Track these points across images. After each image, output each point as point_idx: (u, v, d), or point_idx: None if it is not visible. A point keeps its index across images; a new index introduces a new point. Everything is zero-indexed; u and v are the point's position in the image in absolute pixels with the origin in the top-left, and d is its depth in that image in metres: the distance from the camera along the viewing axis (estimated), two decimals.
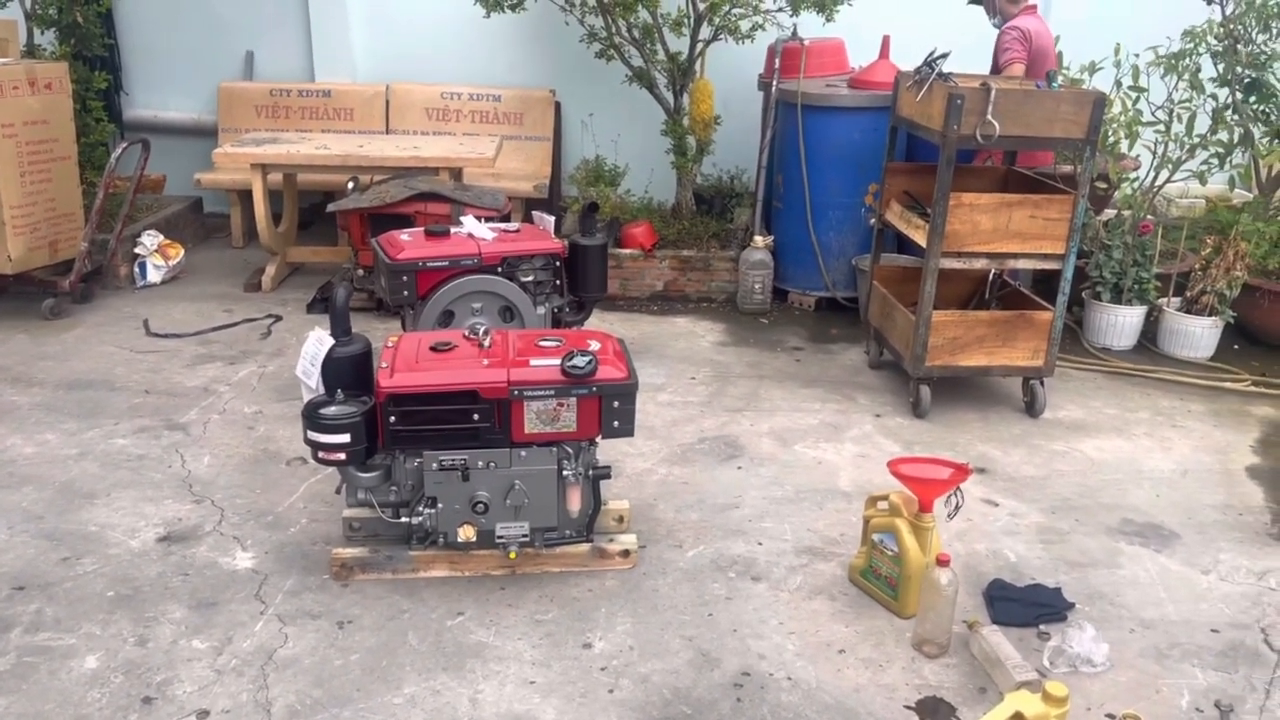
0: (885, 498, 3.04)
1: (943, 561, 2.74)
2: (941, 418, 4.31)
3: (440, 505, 2.97)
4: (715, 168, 6.47)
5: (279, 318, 5.29)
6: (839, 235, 5.53)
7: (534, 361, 2.93)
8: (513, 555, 3.05)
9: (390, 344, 3.09)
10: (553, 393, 2.89)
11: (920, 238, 4.26)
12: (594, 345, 3.03)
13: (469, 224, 4.29)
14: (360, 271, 5.29)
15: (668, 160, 6.03)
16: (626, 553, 3.17)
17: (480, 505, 2.95)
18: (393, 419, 2.86)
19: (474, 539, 2.99)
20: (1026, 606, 2.99)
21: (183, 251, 5.97)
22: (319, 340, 3.04)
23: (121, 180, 5.70)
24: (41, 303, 5.15)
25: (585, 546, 3.14)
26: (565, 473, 2.98)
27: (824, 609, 3.00)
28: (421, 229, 4.28)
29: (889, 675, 2.72)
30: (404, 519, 3.03)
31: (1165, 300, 5.15)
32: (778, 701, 2.61)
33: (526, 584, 3.08)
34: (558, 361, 2.90)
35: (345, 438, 2.87)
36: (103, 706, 2.52)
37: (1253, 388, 4.73)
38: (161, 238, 5.84)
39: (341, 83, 6.93)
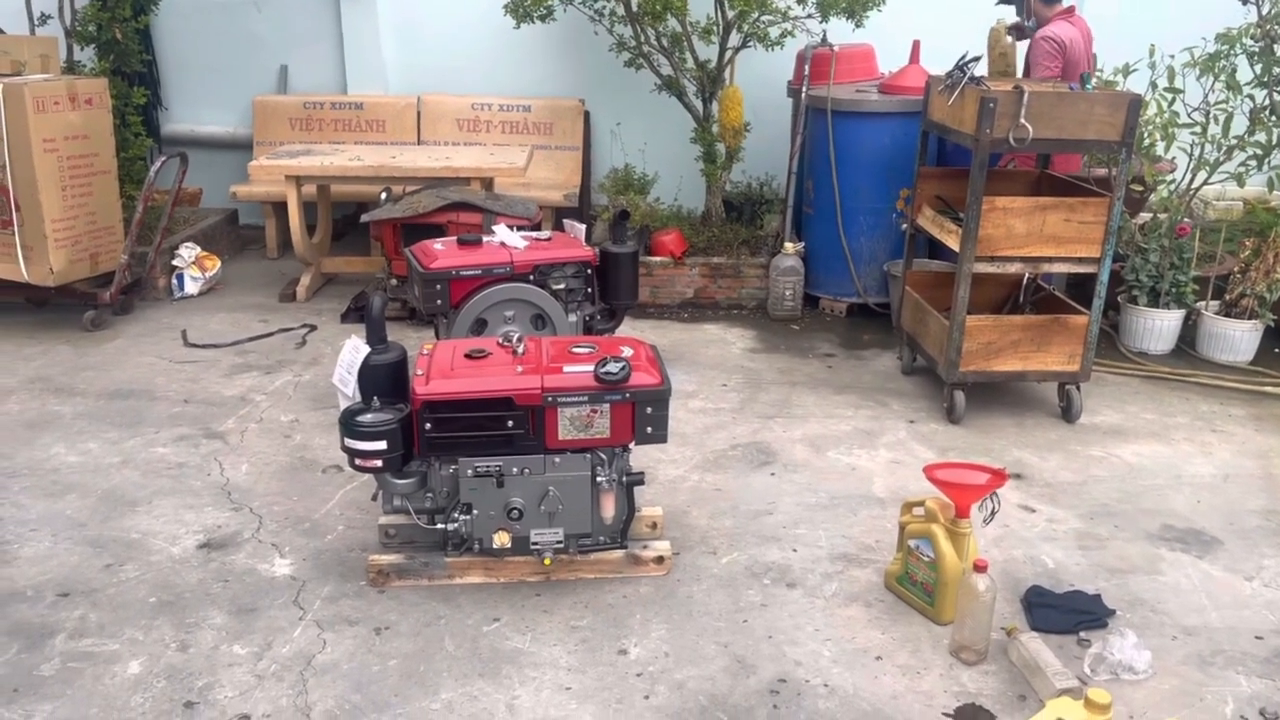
0: (921, 503, 3.02)
1: (980, 567, 2.72)
2: (976, 423, 4.28)
3: (475, 511, 2.98)
4: (744, 175, 6.48)
5: (314, 327, 5.34)
6: (870, 241, 5.51)
7: (567, 368, 2.94)
8: (547, 561, 3.06)
9: (425, 352, 3.11)
10: (586, 399, 2.90)
11: (953, 242, 4.23)
12: (627, 351, 3.04)
13: (501, 232, 4.31)
14: (394, 281, 5.34)
15: (697, 168, 6.05)
16: (661, 559, 3.17)
17: (515, 511, 2.96)
18: (428, 426, 2.88)
19: (509, 545, 3.00)
20: (1066, 613, 2.96)
21: (219, 263, 6.05)
22: (355, 348, 3.07)
23: (160, 193, 5.79)
24: (83, 314, 5.24)
25: (619, 553, 3.14)
26: (599, 479, 2.99)
27: (860, 615, 2.99)
28: (454, 238, 4.31)
29: (927, 682, 2.70)
30: (439, 525, 3.05)
31: (1203, 304, 5.09)
32: (815, 708, 2.60)
33: (561, 590, 3.09)
34: (591, 368, 2.91)
35: (382, 445, 2.89)
36: (146, 711, 2.55)
37: None
38: (199, 250, 5.93)
39: (373, 95, 7.00)
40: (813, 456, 3.98)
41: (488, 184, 5.70)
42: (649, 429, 2.96)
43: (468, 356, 3.03)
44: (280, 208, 6.59)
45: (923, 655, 2.81)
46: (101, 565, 3.18)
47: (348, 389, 3.06)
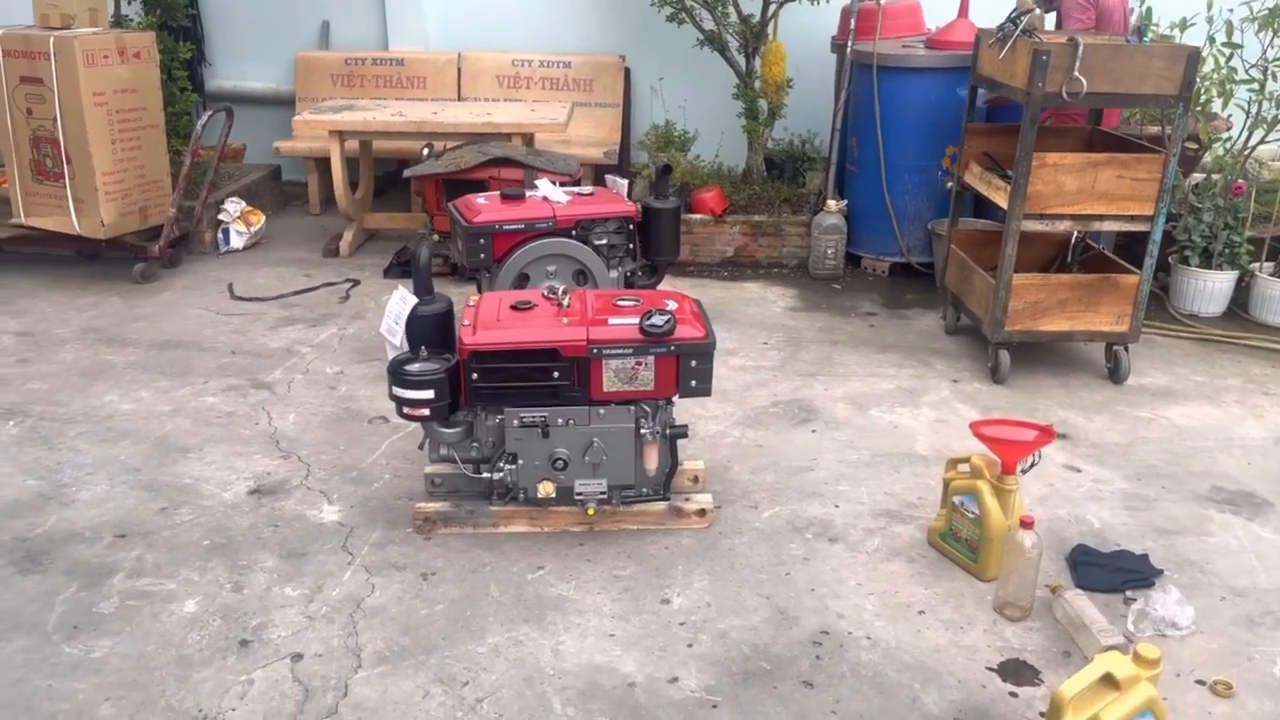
0: (966, 460, 3.01)
1: (1027, 524, 2.70)
2: (1021, 383, 4.24)
3: (521, 461, 3.01)
4: (786, 132, 6.40)
5: (357, 282, 5.39)
6: (914, 199, 5.45)
7: (613, 320, 2.95)
8: (591, 512, 3.09)
9: (472, 303, 3.13)
10: (631, 351, 2.91)
11: (1001, 199, 4.17)
12: (671, 305, 3.04)
13: (544, 187, 4.31)
14: (435, 236, 5.35)
15: (737, 125, 5.99)
16: (703, 512, 3.18)
17: (560, 461, 2.99)
18: (475, 376, 2.90)
19: (553, 495, 3.03)
20: (1111, 572, 2.94)
21: (264, 218, 6.10)
22: (403, 299, 3.09)
23: (206, 149, 5.83)
24: (132, 267, 5.31)
25: (662, 505, 3.16)
26: (643, 431, 3.00)
27: (903, 571, 2.99)
28: (497, 193, 4.31)
29: (970, 637, 2.71)
30: (485, 474, 3.08)
31: (1258, 265, 4.98)
32: (857, 660, 2.61)
33: (604, 541, 3.11)
34: (636, 321, 2.92)
35: (429, 394, 2.92)
36: (203, 648, 2.62)
37: None
38: (244, 205, 5.98)
39: (414, 51, 7.00)
40: (854, 414, 3.97)
41: (528, 140, 5.70)
42: (693, 382, 2.96)
43: (513, 308, 3.04)
44: (323, 163, 6.64)
45: (966, 611, 2.81)
46: (156, 509, 3.25)
47: (395, 339, 3.08)
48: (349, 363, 4.38)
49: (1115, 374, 4.27)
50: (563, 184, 4.79)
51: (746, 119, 5.92)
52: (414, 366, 2.95)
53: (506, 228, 4.07)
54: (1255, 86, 5.03)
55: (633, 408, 2.99)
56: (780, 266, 5.74)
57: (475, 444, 3.09)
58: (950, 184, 4.87)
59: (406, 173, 5.31)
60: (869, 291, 5.41)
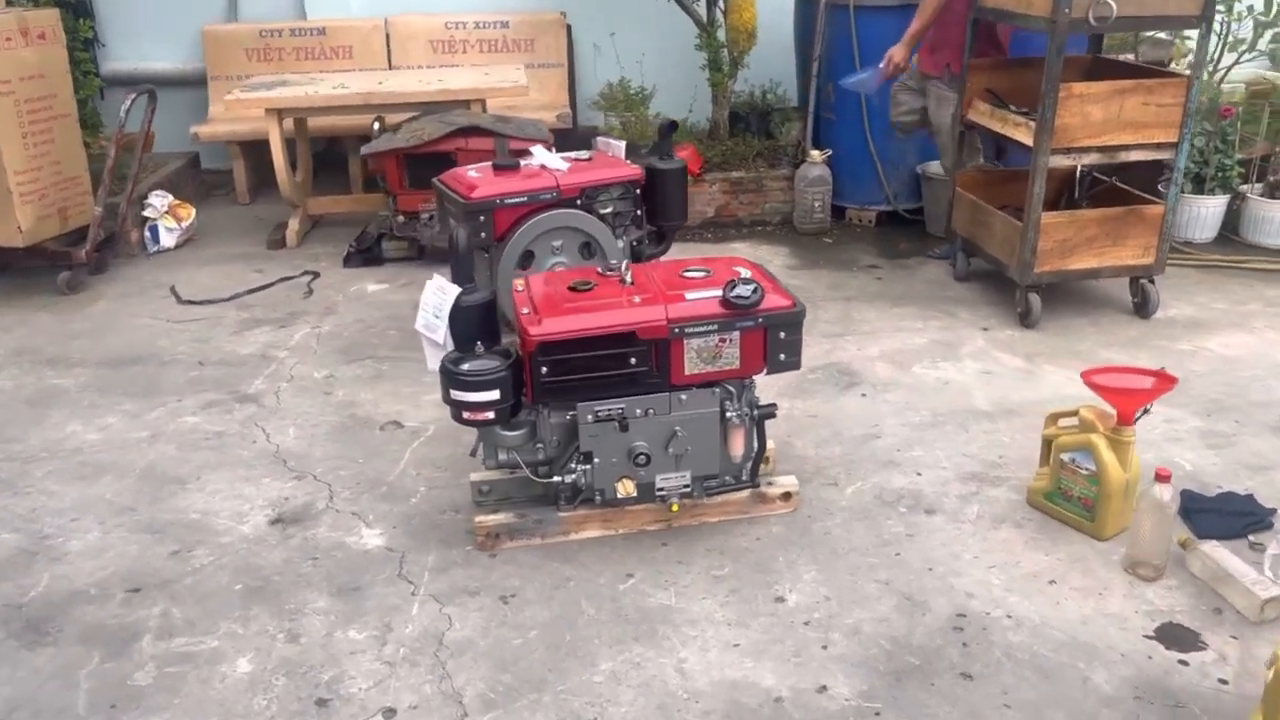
0: (1072, 413, 2.81)
1: (1163, 476, 2.53)
2: (1050, 326, 4.10)
3: (597, 460, 2.69)
4: (746, 84, 6.11)
5: (316, 274, 4.92)
6: (899, 144, 5.24)
7: (690, 295, 2.64)
8: (675, 508, 2.80)
9: (519, 288, 2.78)
10: (715, 327, 2.61)
11: (1023, 135, 3.99)
12: (744, 273, 2.75)
13: (539, 155, 3.95)
14: (401, 218, 4.92)
15: (692, 80, 5.69)
16: (788, 495, 2.93)
17: (641, 456, 2.68)
18: (544, 370, 2.57)
19: (634, 494, 2.73)
20: (1226, 517, 2.80)
21: (193, 212, 5.54)
22: (440, 290, 2.72)
23: (125, 138, 5.23)
24: (56, 277, 4.73)
25: (745, 493, 2.89)
26: (729, 414, 2.71)
27: (1014, 538, 2.79)
28: (489, 164, 3.93)
29: (1112, 604, 2.52)
30: (555, 478, 2.75)
31: (1248, 187, 4.95)
32: (1006, 642, 2.40)
33: (688, 538, 2.83)
34: (717, 293, 2.62)
35: (493, 394, 2.58)
36: (274, 714, 2.24)
37: None
38: (171, 198, 5.41)
39: (336, 19, 6.45)
40: (898, 374, 3.75)
41: (483, 107, 5.28)
42: (781, 356, 2.69)
43: (572, 289, 2.70)
44: (250, 148, 6.08)
45: (1097, 575, 2.63)
46: (167, 553, 2.82)
47: (437, 335, 2.72)
48: (336, 364, 3.96)
49: (1144, 308, 4.16)
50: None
51: (711, 71, 5.62)
52: (472, 365, 2.59)
53: (509, 201, 3.72)
54: (1223, 7, 4.97)
55: (717, 390, 2.70)
56: (763, 224, 5.48)
57: (540, 445, 2.75)
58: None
59: (363, 150, 4.85)
60: (861, 243, 5.20)
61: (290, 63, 6.38)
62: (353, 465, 3.24)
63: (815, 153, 5.27)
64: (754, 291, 2.58)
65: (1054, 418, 2.88)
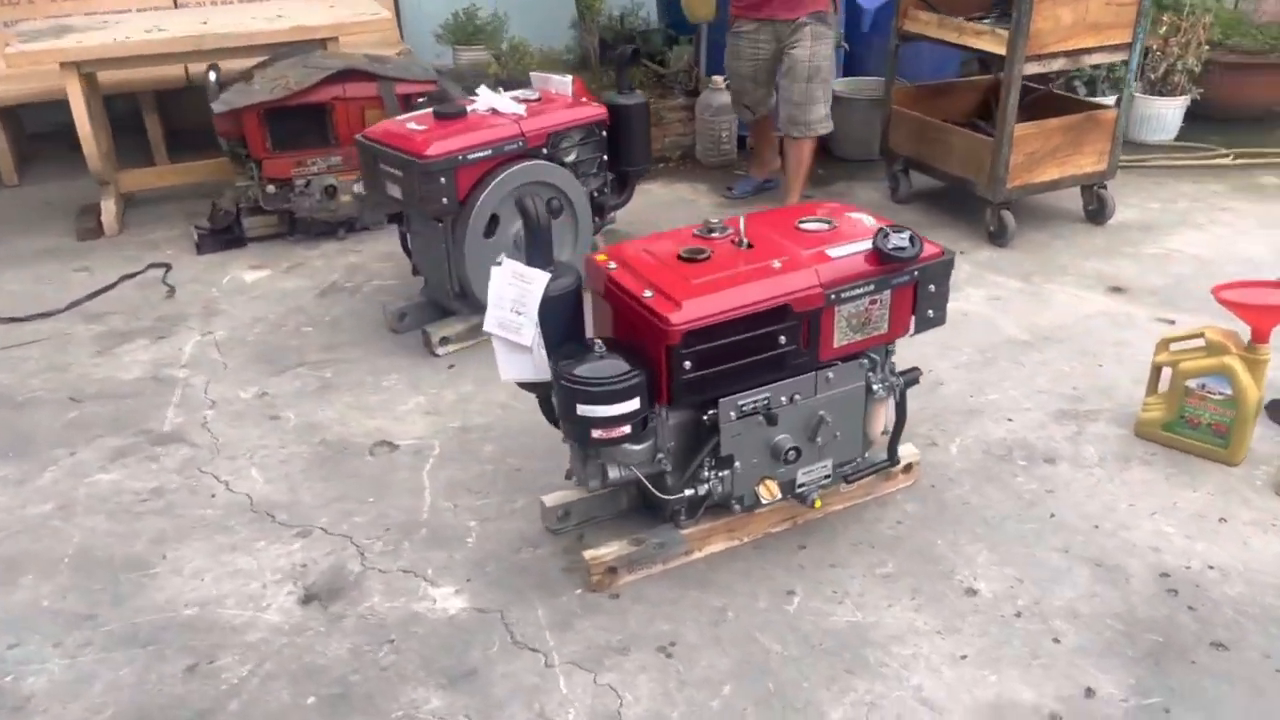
0: (1189, 337, 2.64)
1: None
2: (1020, 244, 3.98)
3: (738, 464, 2.22)
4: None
5: (168, 266, 3.98)
6: None
7: (832, 251, 2.20)
8: (818, 504, 2.38)
9: (610, 266, 2.22)
10: (871, 288, 2.19)
11: (989, 44, 3.79)
12: (866, 219, 2.35)
13: (486, 97, 3.30)
14: (271, 188, 4.05)
15: (545, 4, 5.12)
16: (909, 467, 2.58)
17: (791, 452, 2.24)
18: (686, 364, 2.05)
19: (779, 496, 2.29)
20: None
21: None
22: (520, 277, 2.12)
23: None
24: None
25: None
26: (874, 386, 2.32)
27: (1155, 478, 2.60)
28: (428, 112, 3.24)
29: None
30: (685, 491, 2.25)
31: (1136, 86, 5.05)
32: (1229, 597, 2.20)
33: (822, 534, 2.43)
34: (866, 245, 2.20)
35: (634, 404, 2.04)
36: None
37: (1237, 161, 4.77)
38: None
39: None
40: None
41: (333, 47, 4.45)
42: (930, 312, 2.31)
43: (687, 260, 2.18)
44: (9, 115, 4.88)
45: (1257, 505, 2.49)
46: (180, 671, 2.08)
47: (523, 336, 2.12)
48: (261, 377, 3.18)
49: (1100, 214, 4.13)
50: (425, 95, 3.79)
51: None
52: (594, 369, 2.03)
53: (472, 157, 3.07)
54: None
55: (862, 361, 2.29)
56: (664, 161, 5.02)
57: (661, 455, 2.23)
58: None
59: (216, 107, 3.91)
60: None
61: (42, 4, 5.13)
62: (364, 506, 2.57)
63: (717, 78, 4.85)
64: (912, 240, 2.18)
65: (1165, 343, 2.70)
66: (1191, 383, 2.62)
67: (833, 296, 2.14)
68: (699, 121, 4.92)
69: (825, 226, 2.30)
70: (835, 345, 2.22)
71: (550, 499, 2.43)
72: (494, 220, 3.20)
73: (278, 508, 2.57)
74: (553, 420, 2.28)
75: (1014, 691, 1.99)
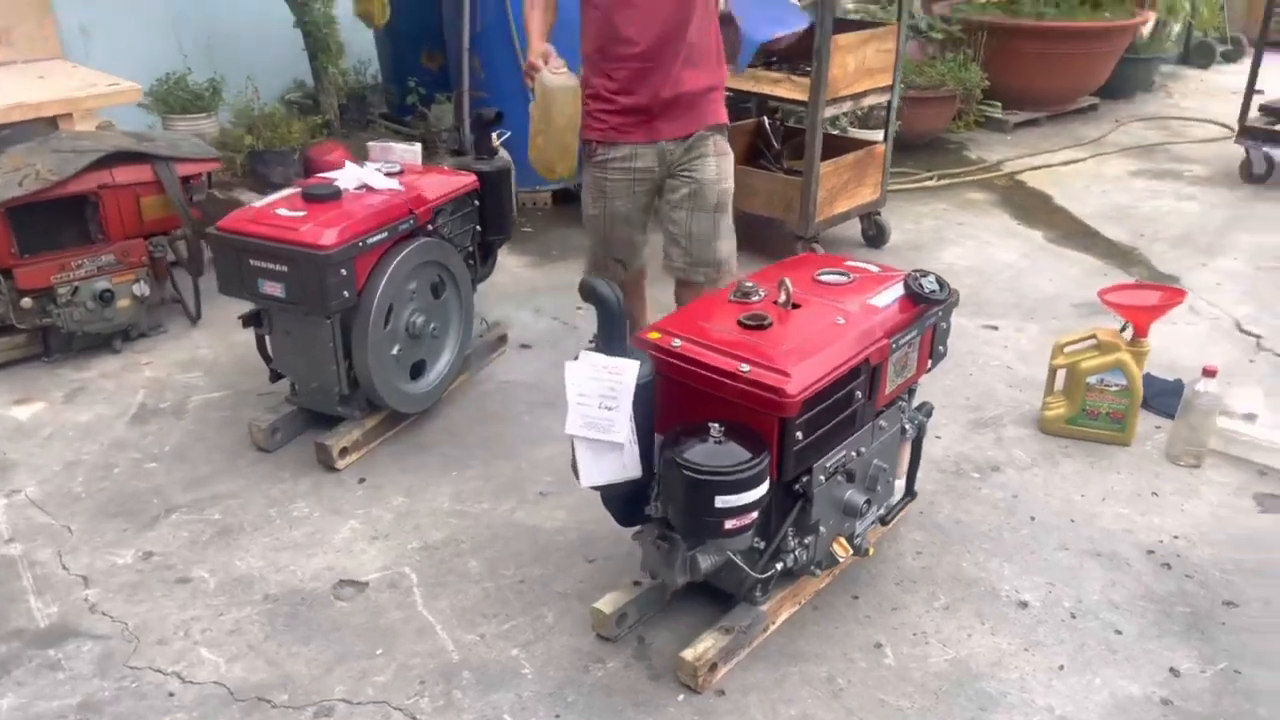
0: (1088, 337, 3.00)
1: (1211, 373, 2.84)
2: None
3: (823, 529, 2.18)
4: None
5: None
6: None
7: (874, 301, 2.23)
8: (871, 552, 2.39)
9: (674, 345, 2.08)
10: (915, 332, 2.26)
11: (788, 91, 4.05)
12: (871, 266, 2.42)
13: (353, 171, 2.94)
14: (27, 301, 3.28)
15: (248, 64, 4.73)
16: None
17: (865, 505, 2.23)
18: (798, 434, 1.98)
19: (851, 553, 2.27)
20: (1173, 396, 3.22)
21: None
22: (606, 369, 1.93)
23: None
24: None
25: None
26: (905, 426, 2.38)
27: (1081, 468, 2.92)
28: (296, 194, 2.82)
29: (1220, 494, 2.77)
30: (776, 566, 2.15)
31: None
32: (1204, 559, 2.53)
33: (862, 582, 2.45)
34: (894, 293, 2.26)
35: (764, 488, 1.93)
36: None
37: (942, 182, 5.48)
38: None
39: None
40: None
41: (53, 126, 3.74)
42: (940, 348, 2.43)
43: (753, 328, 2.10)
44: None
45: (1170, 477, 2.87)
46: None
47: (617, 434, 1.93)
48: (124, 533, 2.58)
49: (879, 239, 4.53)
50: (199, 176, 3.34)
51: (320, 54, 4.66)
52: (727, 456, 1.89)
53: (370, 241, 2.74)
54: None
55: (900, 404, 2.35)
56: None
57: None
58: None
59: None
60: (560, 226, 4.80)
61: None
62: (376, 662, 2.17)
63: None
64: (940, 284, 2.27)
65: (1059, 348, 3.04)
66: (1092, 379, 2.97)
67: (893, 345, 2.18)
68: None
69: (844, 279, 2.33)
70: (886, 392, 2.25)
71: (605, 604, 2.21)
72: (388, 310, 2.86)
73: (269, 689, 2.10)
74: (629, 518, 2.09)
75: (1120, 688, 2.14)
